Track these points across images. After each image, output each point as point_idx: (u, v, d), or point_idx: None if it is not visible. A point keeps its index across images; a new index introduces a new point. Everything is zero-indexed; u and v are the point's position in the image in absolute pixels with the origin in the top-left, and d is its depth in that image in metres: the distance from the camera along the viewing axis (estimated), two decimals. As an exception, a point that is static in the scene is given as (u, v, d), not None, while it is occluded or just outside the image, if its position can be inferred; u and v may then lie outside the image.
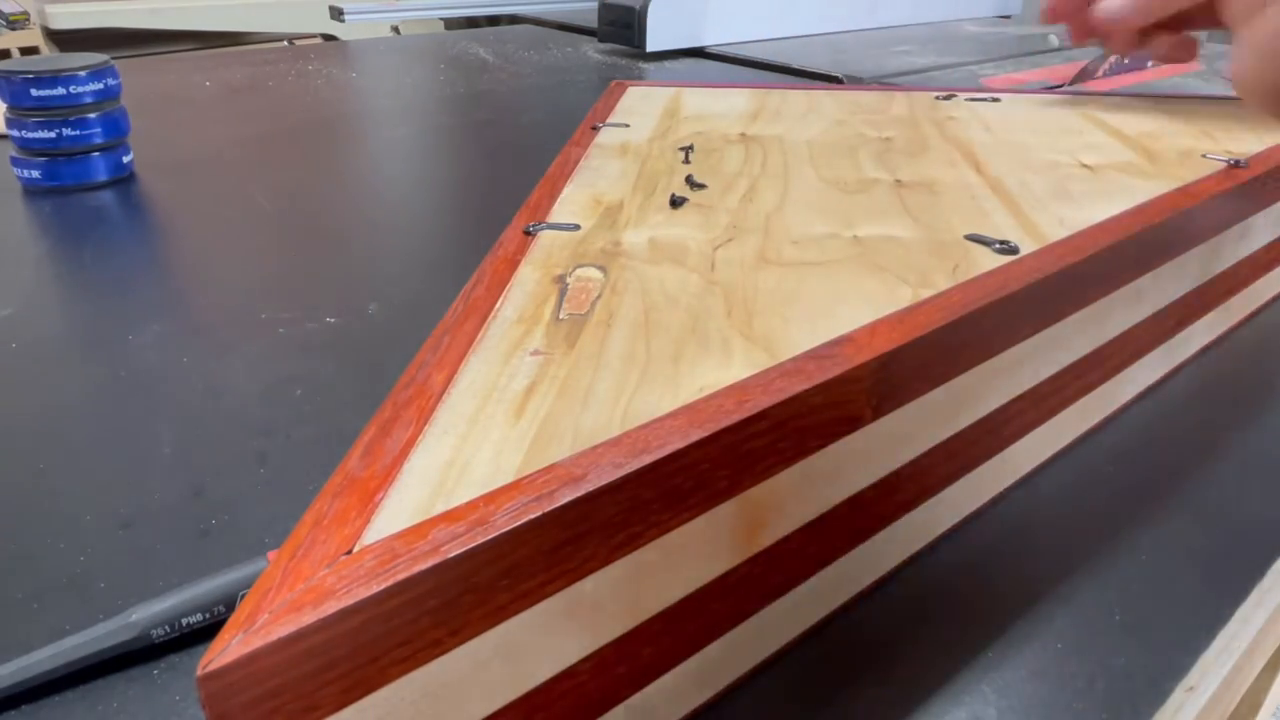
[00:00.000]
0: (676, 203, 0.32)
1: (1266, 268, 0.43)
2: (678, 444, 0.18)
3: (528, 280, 0.26)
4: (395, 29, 1.70)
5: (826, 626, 0.25)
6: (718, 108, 0.47)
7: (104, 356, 0.37)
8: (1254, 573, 0.27)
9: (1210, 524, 0.29)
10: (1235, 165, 0.36)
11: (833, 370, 0.21)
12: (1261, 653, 0.28)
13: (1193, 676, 0.24)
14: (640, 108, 0.47)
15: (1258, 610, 0.27)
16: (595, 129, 0.43)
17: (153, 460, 0.31)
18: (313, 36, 2.06)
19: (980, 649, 0.24)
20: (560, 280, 0.26)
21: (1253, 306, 0.43)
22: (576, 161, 0.37)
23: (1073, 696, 0.23)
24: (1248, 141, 0.41)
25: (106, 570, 0.26)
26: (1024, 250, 0.28)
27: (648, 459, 0.17)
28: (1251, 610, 0.26)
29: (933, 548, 0.28)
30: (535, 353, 0.22)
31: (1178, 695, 0.23)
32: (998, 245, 0.27)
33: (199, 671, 0.13)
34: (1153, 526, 0.29)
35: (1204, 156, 0.37)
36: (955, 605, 0.26)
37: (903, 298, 0.25)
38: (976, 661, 0.24)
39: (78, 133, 0.55)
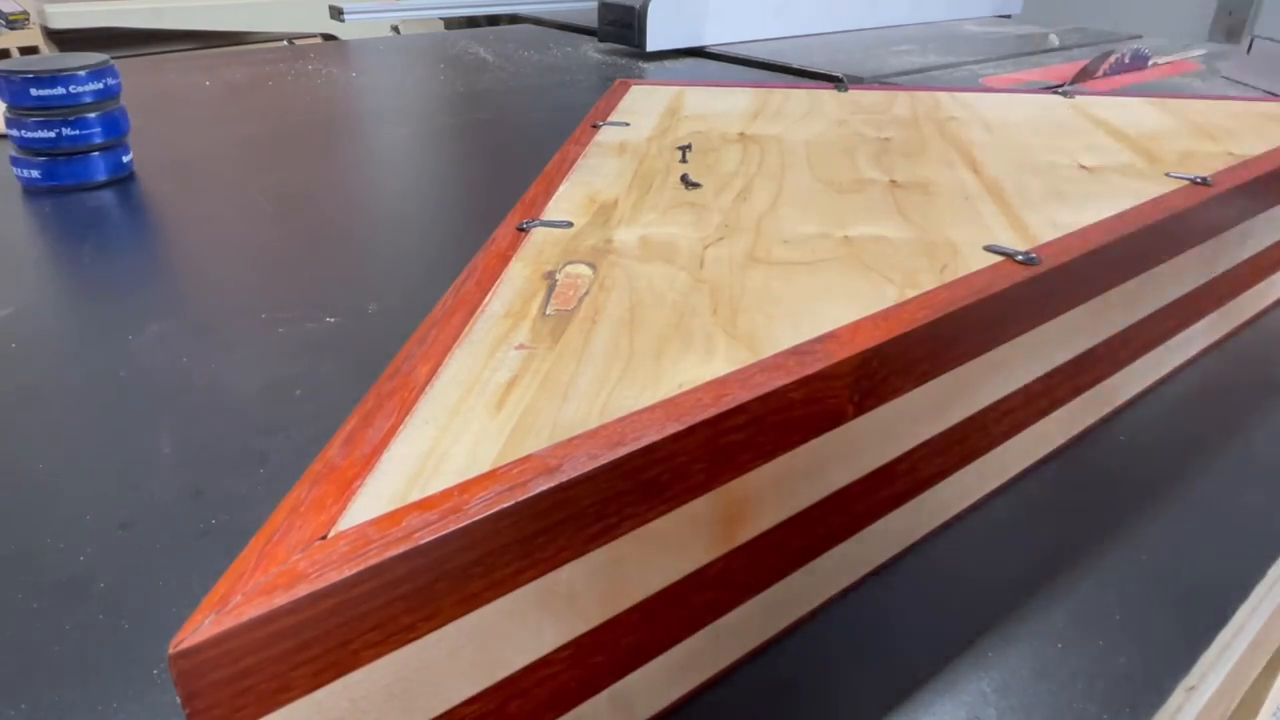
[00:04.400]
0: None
1: (1268, 271, 0.43)
2: (653, 437, 0.18)
3: (518, 276, 0.26)
4: (395, 28, 1.70)
5: (817, 619, 0.25)
6: (720, 107, 0.47)
7: (104, 356, 0.37)
8: (1254, 572, 0.27)
9: (1211, 524, 0.29)
10: (1200, 184, 0.36)
11: (813, 366, 0.21)
12: (1261, 653, 0.28)
13: (1193, 676, 0.24)
14: (643, 106, 0.48)
15: (1258, 610, 0.27)
16: (596, 127, 0.43)
17: (153, 460, 0.31)
18: (313, 36, 2.06)
19: (980, 648, 0.24)
20: (550, 276, 0.26)
21: (1255, 309, 0.43)
22: (574, 159, 0.38)
23: (1073, 696, 0.23)
24: (1249, 143, 0.41)
25: (106, 570, 0.26)
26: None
27: (622, 451, 0.17)
28: (1251, 610, 0.26)
29: (930, 543, 0.28)
30: (520, 347, 0.22)
31: (1178, 695, 0.23)
32: (1020, 257, 0.27)
33: (170, 649, 0.13)
34: (1153, 526, 0.29)
35: (1167, 175, 0.37)
36: (954, 603, 0.26)
37: (888, 297, 0.25)
38: (976, 660, 0.24)
39: (77, 132, 0.55)
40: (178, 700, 0.22)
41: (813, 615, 0.25)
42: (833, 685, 0.23)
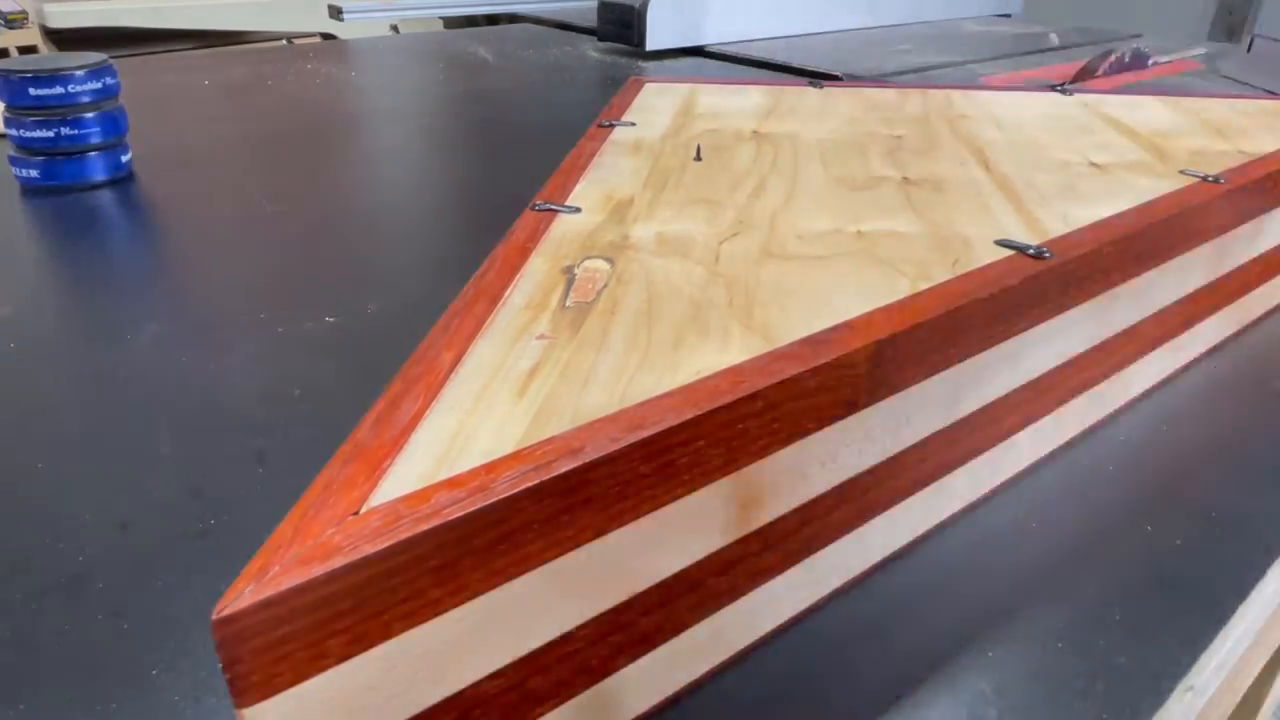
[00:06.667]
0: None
1: (1277, 269, 0.43)
2: (672, 421, 0.18)
3: (537, 270, 0.27)
4: (394, 28, 1.70)
5: (822, 612, 0.25)
6: (732, 105, 0.48)
7: (102, 356, 0.37)
8: (1254, 573, 0.27)
9: (1211, 524, 0.29)
10: (1211, 181, 0.36)
11: (827, 355, 0.21)
12: (1261, 653, 0.28)
13: (1193, 676, 0.24)
14: (656, 104, 0.48)
15: (1258, 610, 0.27)
16: (610, 125, 0.43)
17: (151, 460, 0.31)
18: (312, 35, 2.06)
19: (980, 647, 0.24)
20: (568, 271, 0.27)
21: (1263, 309, 0.43)
22: (591, 155, 0.38)
23: (1073, 696, 0.23)
24: (1261, 141, 0.41)
25: (105, 570, 0.26)
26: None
27: (643, 434, 0.18)
28: (1251, 610, 0.27)
29: (931, 541, 0.28)
30: (541, 337, 0.23)
31: (1178, 695, 0.23)
32: (1032, 251, 0.28)
33: (213, 616, 0.14)
34: (1154, 525, 0.29)
35: (1181, 172, 0.37)
36: (955, 602, 0.26)
37: (901, 289, 0.25)
38: (976, 660, 0.24)
39: (76, 132, 0.55)
40: (176, 699, 0.22)
41: (818, 608, 0.25)
42: (834, 683, 0.23)
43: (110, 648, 0.24)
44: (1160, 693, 0.23)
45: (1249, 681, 0.29)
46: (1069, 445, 0.33)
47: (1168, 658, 0.24)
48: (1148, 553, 0.28)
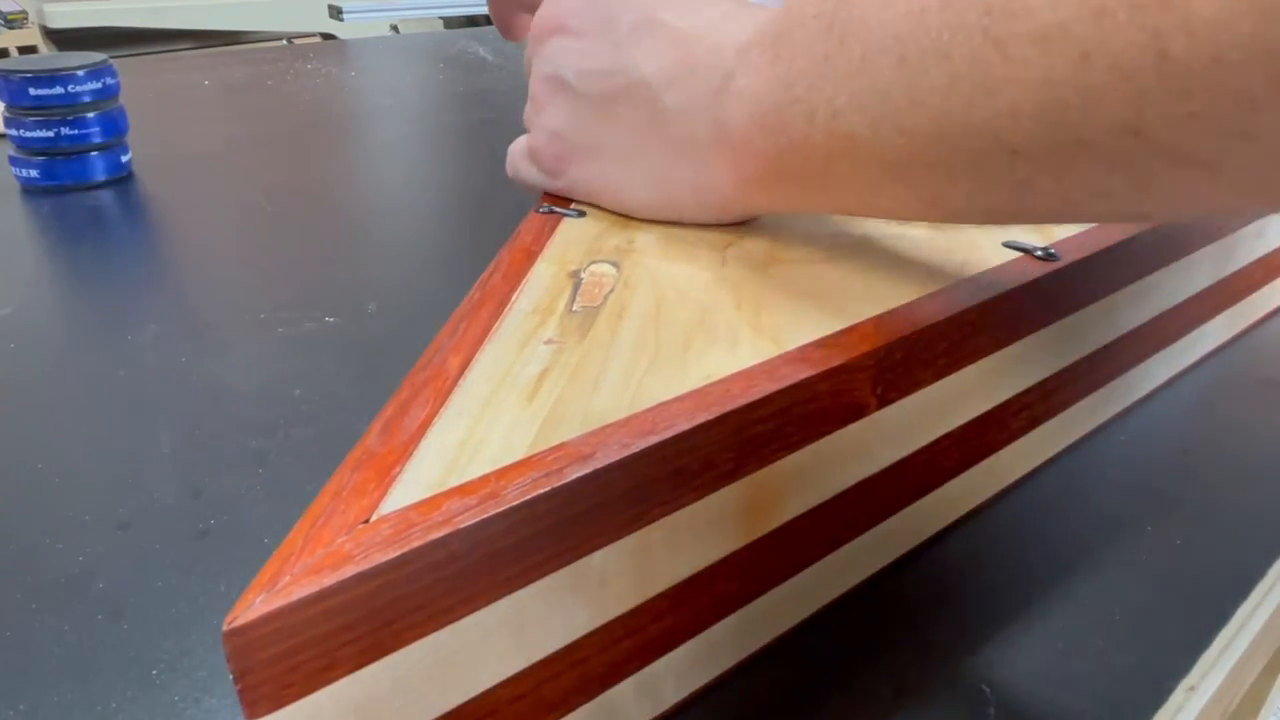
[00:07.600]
0: None
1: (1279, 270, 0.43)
2: (683, 425, 0.18)
3: (544, 275, 0.27)
4: (394, 27, 1.70)
5: (827, 616, 0.25)
6: None
7: (102, 356, 0.37)
8: (1254, 573, 0.27)
9: (1211, 524, 0.29)
10: None
11: (837, 358, 0.21)
12: (1261, 653, 0.28)
13: (1193, 676, 0.24)
14: None
15: (1258, 610, 0.27)
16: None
17: (151, 460, 0.31)
18: (311, 35, 2.06)
19: (979, 647, 0.24)
20: (575, 275, 0.27)
21: (1266, 309, 0.43)
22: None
23: (1073, 696, 0.23)
24: None
25: (105, 570, 0.26)
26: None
27: (654, 439, 0.18)
28: (1251, 610, 0.27)
29: (934, 542, 0.28)
30: (549, 341, 0.22)
31: (1178, 695, 0.23)
32: (1039, 252, 0.28)
33: (224, 627, 0.14)
34: (1154, 526, 0.29)
35: None
36: (954, 602, 0.26)
37: (909, 292, 0.25)
38: (975, 660, 0.24)
39: (76, 132, 0.55)
40: (176, 699, 0.22)
41: (824, 610, 0.25)
42: (833, 682, 0.23)
43: (110, 648, 0.23)
44: (1160, 693, 0.23)
45: (1249, 681, 0.29)
46: (1070, 446, 0.33)
47: (1168, 658, 0.24)
48: (1148, 553, 0.28)
